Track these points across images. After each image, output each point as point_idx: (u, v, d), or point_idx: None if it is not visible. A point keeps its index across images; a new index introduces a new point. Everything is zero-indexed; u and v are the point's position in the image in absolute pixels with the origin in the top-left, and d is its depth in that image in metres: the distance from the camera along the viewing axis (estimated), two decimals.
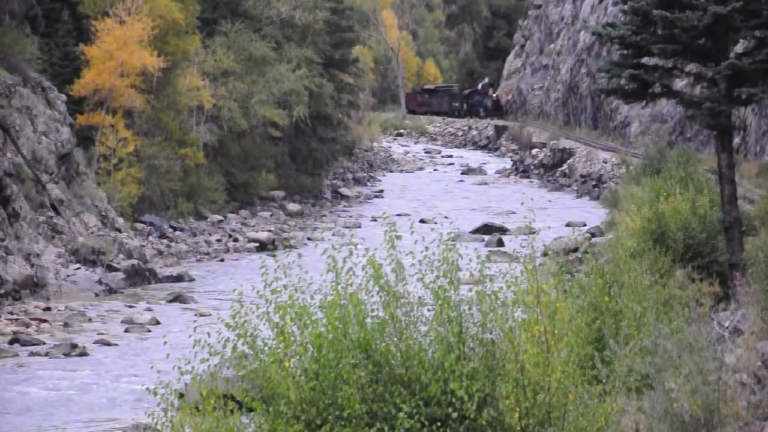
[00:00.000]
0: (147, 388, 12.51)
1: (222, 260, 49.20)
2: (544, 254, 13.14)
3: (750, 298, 17.19)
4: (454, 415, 11.43)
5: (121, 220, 47.32)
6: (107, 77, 50.75)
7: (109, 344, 32.37)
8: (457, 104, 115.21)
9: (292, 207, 64.87)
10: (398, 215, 54.37)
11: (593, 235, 46.84)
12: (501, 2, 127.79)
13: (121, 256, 43.15)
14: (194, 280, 43.64)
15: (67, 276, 40.22)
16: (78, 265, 41.02)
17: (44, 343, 32.06)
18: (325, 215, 65.35)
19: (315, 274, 12.32)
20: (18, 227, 39.94)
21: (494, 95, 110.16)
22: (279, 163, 68.40)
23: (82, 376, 28.71)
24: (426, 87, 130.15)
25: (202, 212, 56.95)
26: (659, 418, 11.43)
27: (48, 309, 36.62)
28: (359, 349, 11.68)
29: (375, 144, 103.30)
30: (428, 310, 12.02)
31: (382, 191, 78.95)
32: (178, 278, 43.55)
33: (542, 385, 11.56)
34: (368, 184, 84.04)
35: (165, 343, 13.82)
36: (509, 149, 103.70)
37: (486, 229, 55.66)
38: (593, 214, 58.91)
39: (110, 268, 41.65)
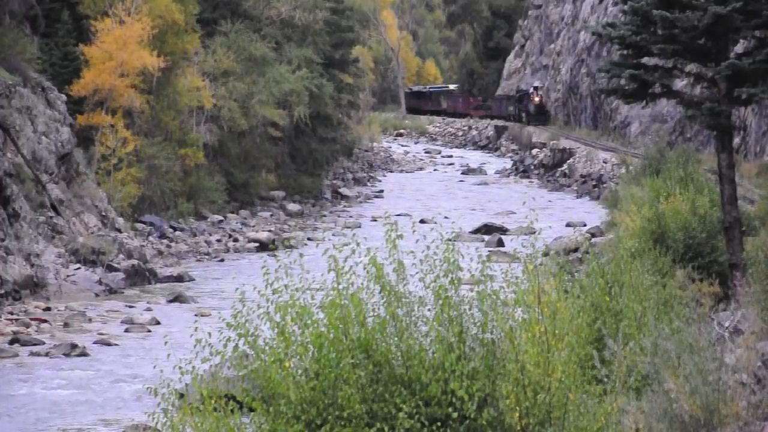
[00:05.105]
0: (147, 388, 12.51)
1: (222, 260, 49.19)
2: (545, 254, 13.13)
3: (750, 298, 17.17)
4: (455, 415, 11.42)
5: (121, 220, 47.31)
6: (107, 77, 50.77)
7: (109, 344, 32.37)
8: (512, 108, 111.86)
9: (292, 207, 64.85)
10: (398, 215, 54.36)
11: (593, 235, 46.85)
12: (501, 2, 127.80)
13: (121, 256, 43.14)
14: (194, 280, 43.64)
15: (67, 276, 40.20)
16: (78, 265, 41.01)
17: (44, 343, 32.05)
18: (325, 215, 65.34)
19: (316, 274, 12.32)
20: (18, 227, 39.93)
21: (537, 98, 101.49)
22: (279, 163, 68.41)
23: (82, 376, 28.70)
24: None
25: (202, 212, 56.95)
26: (659, 418, 11.41)
27: (48, 309, 36.61)
28: (360, 349, 11.67)
29: (375, 144, 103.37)
30: (429, 310, 12.00)
31: (382, 191, 78.94)
32: (178, 278, 43.54)
33: (543, 385, 11.55)
34: (368, 184, 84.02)
35: (165, 343, 13.79)
36: (509, 149, 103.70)
37: (486, 229, 55.70)
38: (593, 214, 58.94)
39: (110, 268, 41.64)
